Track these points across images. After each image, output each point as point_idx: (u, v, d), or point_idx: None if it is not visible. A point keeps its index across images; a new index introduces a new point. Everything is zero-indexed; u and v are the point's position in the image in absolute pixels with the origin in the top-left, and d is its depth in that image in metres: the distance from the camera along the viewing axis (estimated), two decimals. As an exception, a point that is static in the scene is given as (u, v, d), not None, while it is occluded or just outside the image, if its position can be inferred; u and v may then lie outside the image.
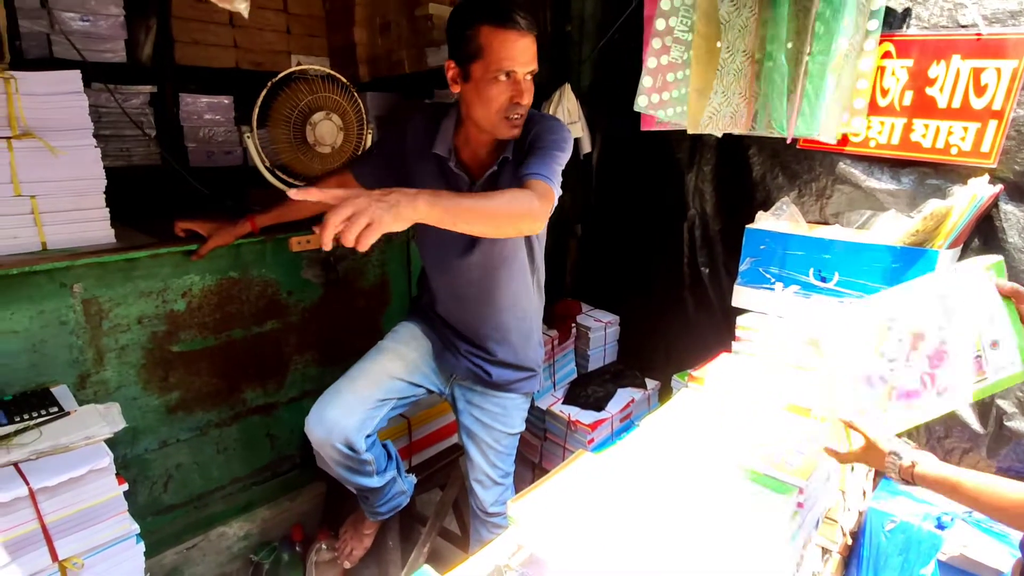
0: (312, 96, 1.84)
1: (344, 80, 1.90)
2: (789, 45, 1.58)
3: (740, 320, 1.73)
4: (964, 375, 1.07)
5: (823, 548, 1.40)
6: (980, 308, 1.06)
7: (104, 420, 1.28)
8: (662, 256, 2.30)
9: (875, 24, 1.58)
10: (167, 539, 1.76)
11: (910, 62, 1.59)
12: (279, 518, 1.98)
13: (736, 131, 1.74)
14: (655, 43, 1.64)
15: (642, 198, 2.35)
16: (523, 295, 1.57)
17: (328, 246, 0.88)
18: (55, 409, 1.30)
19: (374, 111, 2.61)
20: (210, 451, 1.81)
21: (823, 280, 1.66)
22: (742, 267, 1.81)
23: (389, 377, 1.57)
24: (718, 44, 1.59)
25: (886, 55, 1.62)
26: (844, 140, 1.73)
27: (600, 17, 2.33)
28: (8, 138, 1.33)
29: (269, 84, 1.80)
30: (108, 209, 1.51)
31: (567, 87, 2.27)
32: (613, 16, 2.18)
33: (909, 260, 1.51)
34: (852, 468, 1.42)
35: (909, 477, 0.98)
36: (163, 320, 1.63)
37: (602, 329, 2.46)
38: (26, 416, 1.26)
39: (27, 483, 1.12)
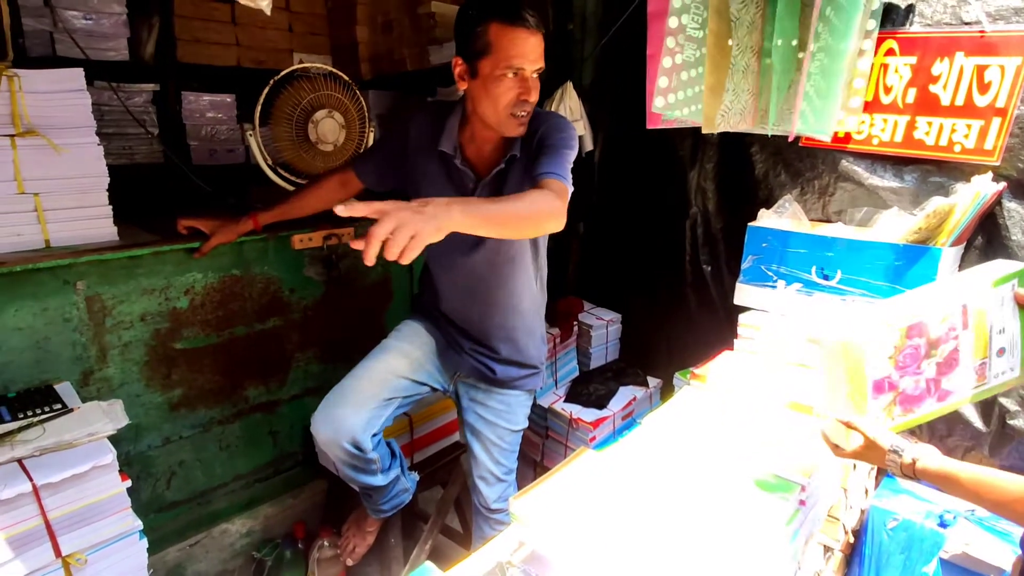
0: (314, 94, 1.85)
1: (346, 78, 1.90)
2: (793, 43, 1.58)
3: (742, 318, 1.73)
4: (966, 382, 1.07)
5: (825, 546, 1.40)
6: (998, 317, 1.05)
7: (107, 417, 1.28)
8: (664, 254, 2.30)
9: (872, 24, 1.57)
10: (170, 536, 1.76)
11: (913, 59, 1.59)
12: (281, 515, 1.99)
13: (745, 129, 1.73)
14: (669, 42, 1.63)
15: (644, 196, 2.34)
16: (527, 293, 1.58)
17: (372, 262, 0.85)
18: (58, 406, 1.31)
19: (376, 109, 2.61)
20: (213, 448, 1.82)
21: (825, 278, 1.66)
22: (744, 265, 1.80)
23: (395, 376, 1.57)
24: (730, 42, 1.58)
25: (889, 52, 1.62)
26: (847, 138, 1.73)
27: (602, 15, 2.32)
28: (11, 136, 1.34)
29: (271, 82, 1.81)
30: (111, 207, 1.52)
31: (569, 85, 2.27)
32: (615, 14, 2.18)
33: (911, 258, 1.51)
34: (855, 466, 1.42)
35: (911, 473, 0.97)
36: (166, 317, 1.63)
37: (604, 327, 2.46)
38: (30, 413, 1.27)
39: (31, 479, 1.12)
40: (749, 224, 1.79)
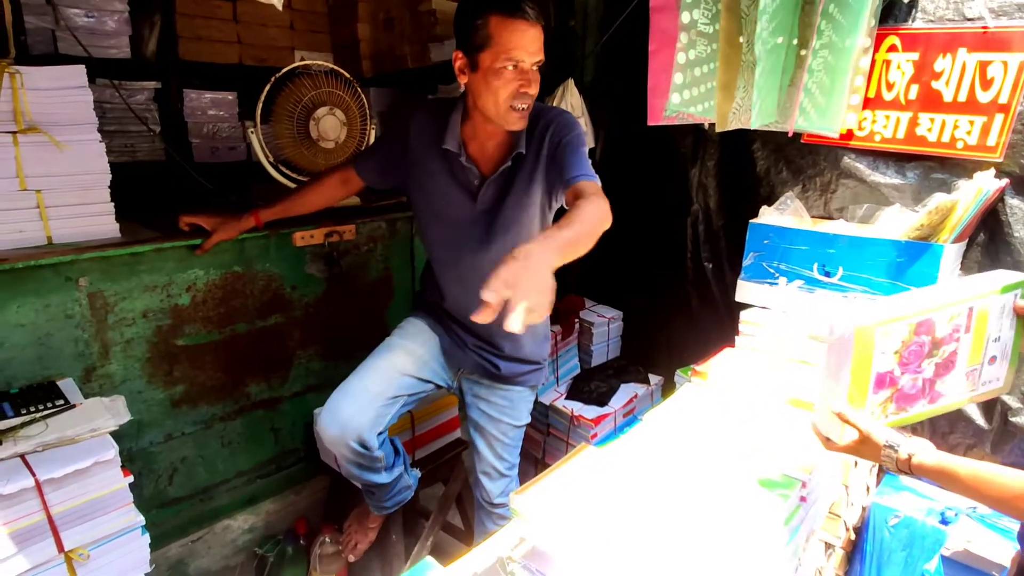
0: (315, 91, 1.85)
1: (347, 75, 1.90)
2: (794, 41, 1.57)
3: (743, 315, 1.72)
4: (957, 386, 1.07)
5: (826, 543, 1.41)
6: (997, 325, 1.05)
7: (109, 413, 1.28)
8: (665, 251, 2.30)
9: (872, 22, 1.57)
10: (172, 532, 1.77)
11: (916, 55, 1.58)
12: (283, 511, 1.99)
13: (754, 125, 1.72)
14: (682, 38, 1.61)
15: (645, 193, 2.34)
16: None
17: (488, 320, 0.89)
18: (61, 402, 1.31)
19: (377, 106, 2.62)
20: (215, 444, 1.82)
21: (827, 275, 1.66)
22: (746, 262, 1.80)
23: (400, 374, 1.56)
24: (740, 39, 1.57)
25: (891, 48, 1.62)
26: (849, 134, 1.72)
27: (603, 12, 2.32)
28: (13, 133, 1.34)
29: (273, 80, 1.81)
30: (113, 204, 1.52)
31: (570, 82, 2.26)
32: (616, 11, 2.17)
33: (914, 255, 1.50)
34: (856, 463, 1.42)
35: (907, 468, 0.94)
36: (168, 314, 1.64)
37: (605, 324, 2.46)
38: (32, 409, 1.27)
39: (33, 475, 1.13)
40: (751, 221, 1.79)
